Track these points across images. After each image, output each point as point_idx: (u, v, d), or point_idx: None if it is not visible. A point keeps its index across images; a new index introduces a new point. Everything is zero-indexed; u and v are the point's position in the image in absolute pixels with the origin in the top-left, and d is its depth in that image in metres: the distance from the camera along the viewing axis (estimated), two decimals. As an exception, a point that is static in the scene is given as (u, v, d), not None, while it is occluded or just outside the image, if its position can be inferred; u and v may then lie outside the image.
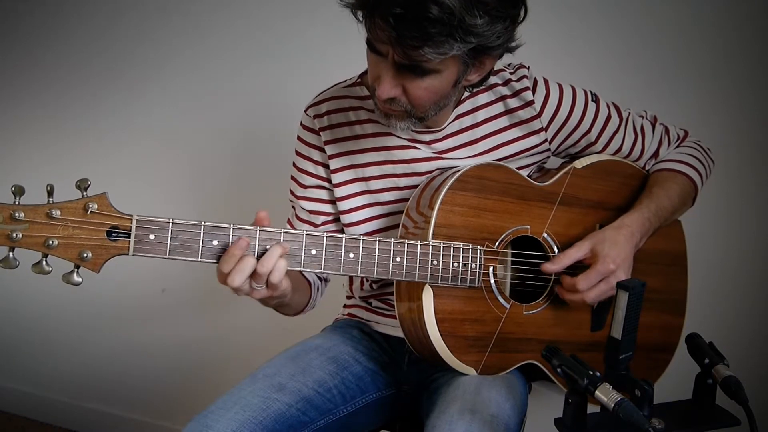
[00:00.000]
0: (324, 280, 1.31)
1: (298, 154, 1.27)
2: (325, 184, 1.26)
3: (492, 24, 0.95)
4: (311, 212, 1.27)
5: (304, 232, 1.00)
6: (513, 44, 1.04)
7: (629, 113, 1.28)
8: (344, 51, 1.40)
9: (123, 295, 2.11)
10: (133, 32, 2.05)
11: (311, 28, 1.85)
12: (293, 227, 1.28)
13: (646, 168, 1.31)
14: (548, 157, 1.27)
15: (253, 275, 0.95)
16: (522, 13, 1.02)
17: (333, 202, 1.26)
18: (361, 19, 0.98)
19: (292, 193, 1.29)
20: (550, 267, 1.13)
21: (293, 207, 1.30)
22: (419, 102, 1.05)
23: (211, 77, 1.98)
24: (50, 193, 0.88)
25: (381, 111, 1.09)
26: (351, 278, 1.38)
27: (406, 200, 1.20)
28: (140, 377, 2.20)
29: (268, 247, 0.97)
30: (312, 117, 1.24)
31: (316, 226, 1.27)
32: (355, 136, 1.22)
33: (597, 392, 0.83)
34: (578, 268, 1.15)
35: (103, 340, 2.22)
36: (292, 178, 1.29)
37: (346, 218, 1.25)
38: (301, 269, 1.01)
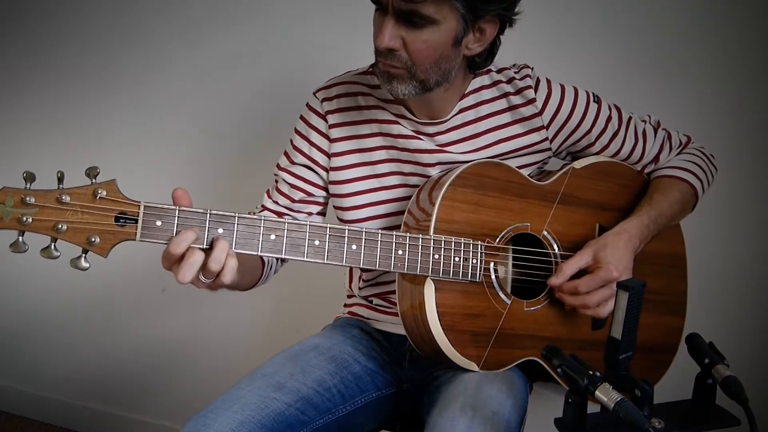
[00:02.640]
0: (282, 260, 1.29)
1: (296, 132, 1.27)
2: (315, 168, 1.26)
3: None
4: (292, 186, 1.26)
5: (308, 222, 1.01)
6: (513, 14, 1.06)
7: (631, 117, 1.28)
8: (349, 47, 1.41)
9: (123, 294, 2.11)
10: (133, 32, 2.05)
11: (314, 25, 1.84)
12: (270, 198, 1.28)
13: (645, 172, 1.31)
14: (549, 158, 1.27)
15: (204, 270, 0.94)
16: None
17: (318, 186, 1.26)
18: None
19: (278, 165, 1.29)
20: (555, 281, 1.13)
21: (276, 180, 1.29)
22: (419, 57, 1.06)
23: (214, 72, 1.97)
24: (60, 180, 0.89)
25: (383, 72, 1.10)
26: (351, 276, 1.38)
27: (409, 186, 1.22)
28: (140, 377, 2.20)
29: (272, 237, 0.98)
30: (320, 100, 1.25)
31: (293, 201, 1.26)
32: (363, 120, 1.23)
33: (597, 392, 0.83)
34: (582, 272, 1.15)
35: (103, 340, 2.21)
36: (285, 153, 1.28)
37: (347, 201, 1.24)
38: (305, 260, 1.01)
